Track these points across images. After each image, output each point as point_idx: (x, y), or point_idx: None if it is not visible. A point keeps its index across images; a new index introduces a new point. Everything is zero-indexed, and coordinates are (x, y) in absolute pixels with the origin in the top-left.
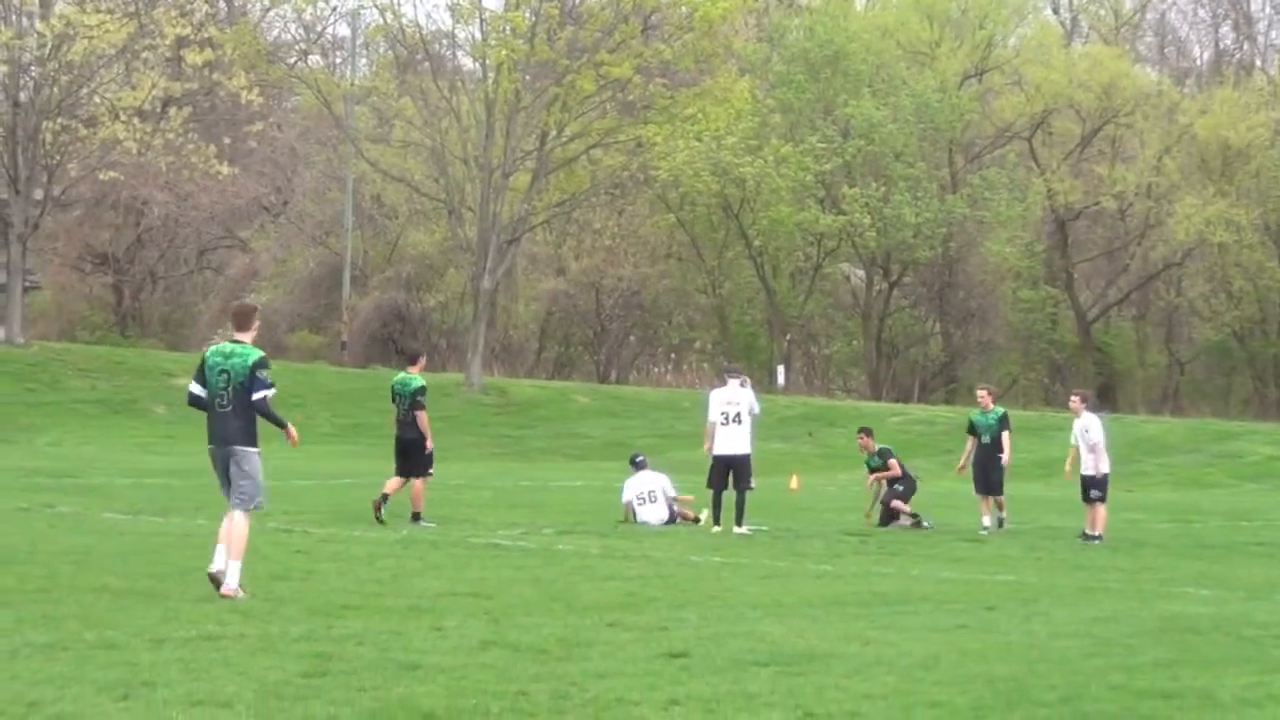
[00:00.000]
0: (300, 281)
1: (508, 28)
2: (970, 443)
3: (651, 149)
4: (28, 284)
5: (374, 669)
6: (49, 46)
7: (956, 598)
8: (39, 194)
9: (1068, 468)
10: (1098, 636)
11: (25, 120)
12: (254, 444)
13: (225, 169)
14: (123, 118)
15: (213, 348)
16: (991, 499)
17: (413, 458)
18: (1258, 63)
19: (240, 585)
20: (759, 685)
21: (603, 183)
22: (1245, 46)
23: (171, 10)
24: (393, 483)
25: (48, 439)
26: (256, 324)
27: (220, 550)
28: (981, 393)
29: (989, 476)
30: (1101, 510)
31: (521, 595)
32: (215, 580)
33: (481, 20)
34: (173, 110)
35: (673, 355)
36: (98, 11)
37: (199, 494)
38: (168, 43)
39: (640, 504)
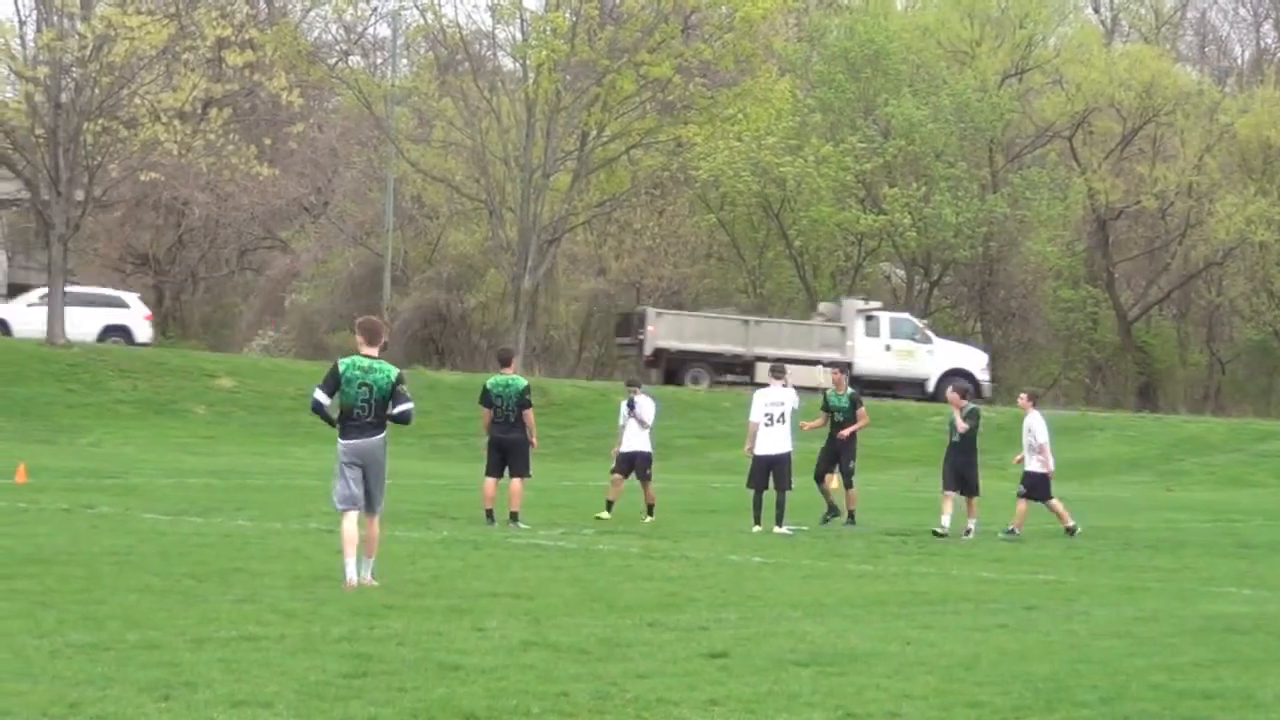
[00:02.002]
0: (340, 282)
1: (548, 28)
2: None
3: (692, 149)
4: (69, 285)
5: (415, 669)
6: (90, 48)
7: (997, 597)
8: (80, 195)
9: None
10: (1138, 636)
11: (66, 121)
12: (386, 452)
13: (266, 170)
14: (163, 119)
15: (347, 360)
16: (967, 500)
17: (516, 457)
18: None
19: (373, 575)
20: (799, 685)
21: (643, 183)
22: None
23: (212, 11)
24: (491, 488)
25: (89, 439)
26: (385, 340)
27: (351, 563)
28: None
29: (963, 475)
30: (1057, 504)
31: (562, 595)
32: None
33: (522, 20)
34: (213, 111)
35: None
36: (139, 13)
37: (240, 494)
38: (208, 44)
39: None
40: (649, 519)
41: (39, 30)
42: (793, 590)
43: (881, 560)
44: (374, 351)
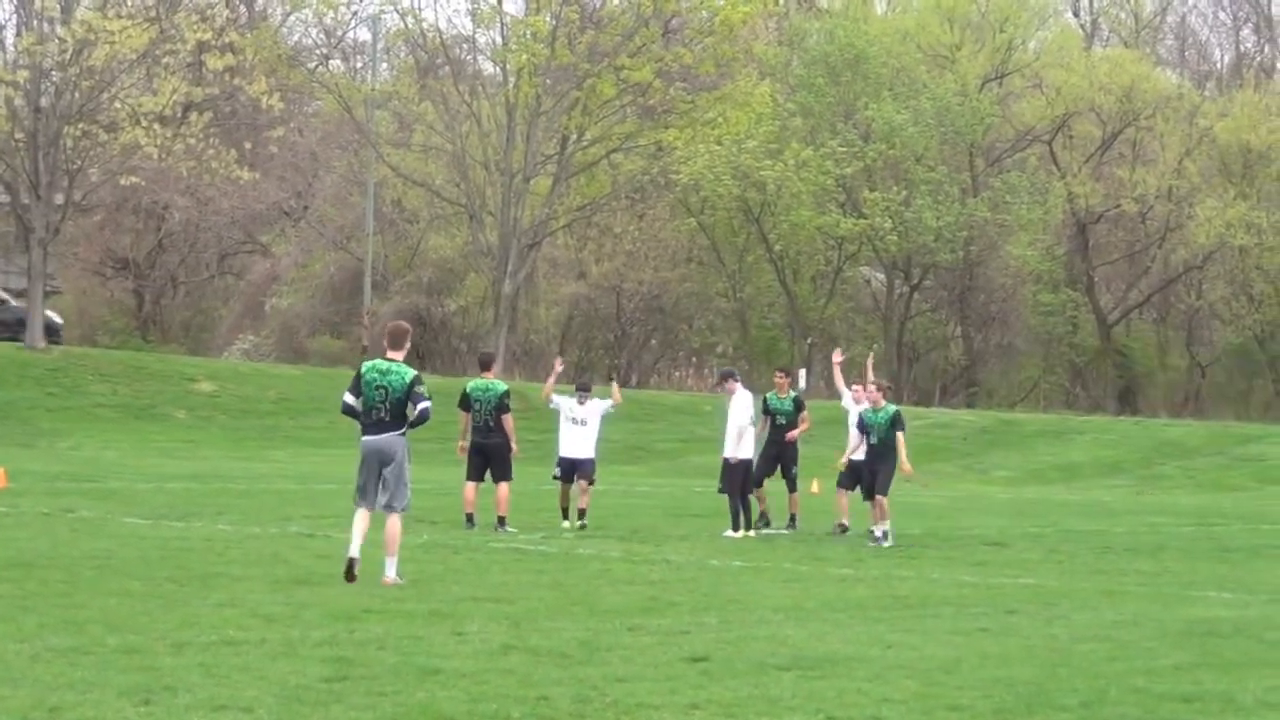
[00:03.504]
0: (321, 286)
1: (528, 32)
2: (856, 437)
3: (672, 153)
4: (49, 289)
5: (395, 674)
6: (70, 52)
7: (977, 601)
8: (60, 199)
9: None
10: (1119, 640)
11: (46, 125)
12: (407, 453)
13: (246, 174)
14: (143, 123)
15: (369, 364)
16: (873, 502)
17: (498, 462)
18: (1278, 65)
19: (398, 574)
20: (780, 689)
21: (623, 187)
22: (1266, 49)
23: (192, 15)
24: (471, 492)
25: (69, 443)
26: (409, 345)
27: (357, 544)
28: (871, 388)
29: (875, 476)
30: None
31: (542, 599)
32: (350, 566)
33: (502, 25)
34: (193, 115)
35: (694, 359)
36: (119, 17)
37: (220, 498)
38: (189, 48)
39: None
40: (580, 524)
41: (19, 34)
42: (773, 594)
43: (862, 564)
44: (398, 355)
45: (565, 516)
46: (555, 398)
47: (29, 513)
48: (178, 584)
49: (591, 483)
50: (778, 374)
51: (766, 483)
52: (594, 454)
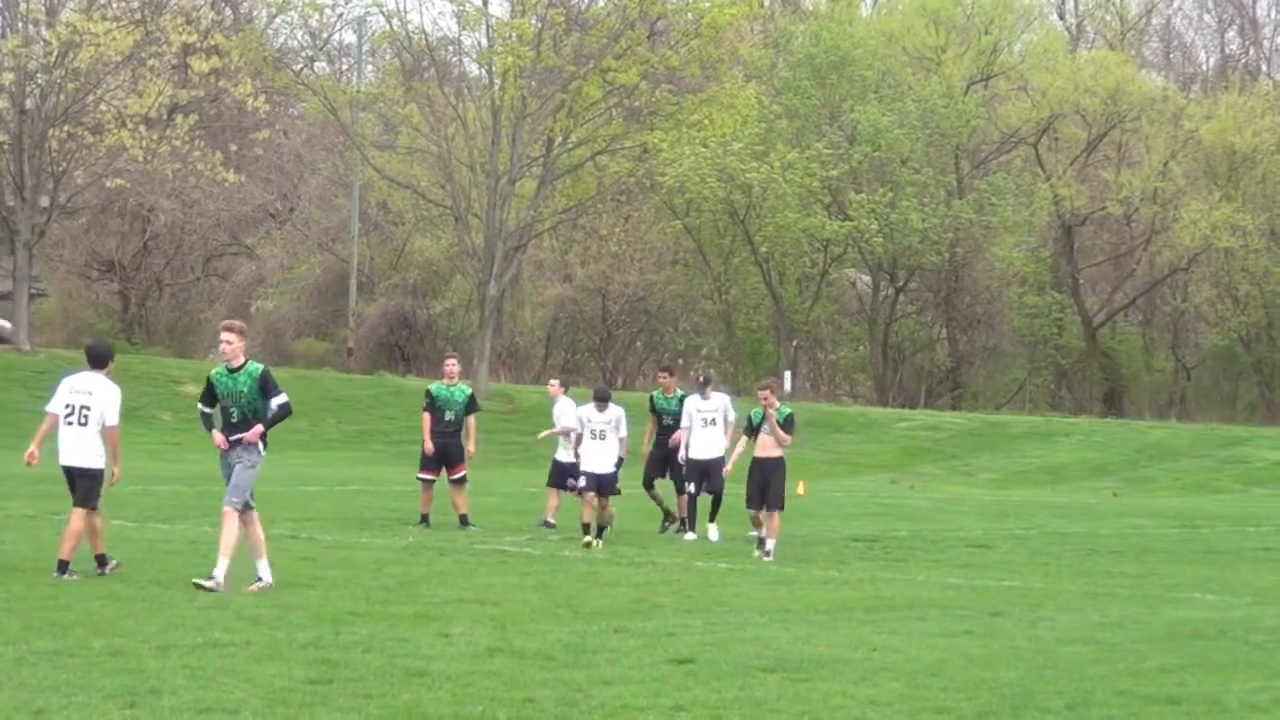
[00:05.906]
0: (306, 288)
1: (514, 34)
2: (743, 443)
3: (657, 155)
4: (34, 291)
5: (380, 676)
6: (55, 54)
7: (963, 603)
8: (45, 201)
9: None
10: (1104, 642)
11: (31, 128)
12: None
13: (231, 176)
14: (129, 125)
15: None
16: (771, 514)
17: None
18: (1263, 68)
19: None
20: (765, 691)
21: (609, 189)
22: (1251, 51)
23: (178, 18)
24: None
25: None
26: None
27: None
28: (764, 391)
29: (768, 487)
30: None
31: (528, 602)
32: None
33: (488, 27)
34: (179, 117)
35: (679, 361)
36: (104, 19)
37: (205, 501)
38: (174, 50)
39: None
40: (599, 541)
41: (4, 36)
42: (758, 596)
43: (847, 566)
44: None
45: (586, 532)
46: (572, 413)
47: (15, 515)
48: (163, 586)
49: (616, 493)
50: (661, 374)
51: (658, 483)
52: (614, 468)
